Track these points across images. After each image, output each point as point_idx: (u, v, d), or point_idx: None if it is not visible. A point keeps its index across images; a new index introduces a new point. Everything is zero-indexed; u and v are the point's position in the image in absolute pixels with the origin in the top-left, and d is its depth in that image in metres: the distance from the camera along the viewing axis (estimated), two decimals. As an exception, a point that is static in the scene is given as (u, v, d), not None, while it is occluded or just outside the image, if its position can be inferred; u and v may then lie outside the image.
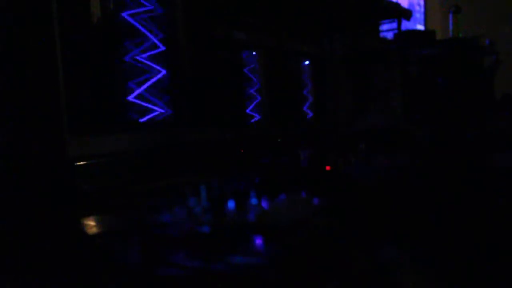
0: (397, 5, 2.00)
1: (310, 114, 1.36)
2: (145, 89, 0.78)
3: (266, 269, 0.33)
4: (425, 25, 3.33)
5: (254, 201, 0.54)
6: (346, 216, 0.49)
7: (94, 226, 0.53)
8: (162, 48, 0.81)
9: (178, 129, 0.85)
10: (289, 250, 0.33)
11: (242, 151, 0.89)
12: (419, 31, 2.72)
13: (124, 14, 0.74)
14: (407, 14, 2.01)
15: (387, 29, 2.12)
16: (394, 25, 2.08)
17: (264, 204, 0.53)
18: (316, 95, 1.38)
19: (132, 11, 0.76)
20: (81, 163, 0.65)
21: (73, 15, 0.66)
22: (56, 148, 0.63)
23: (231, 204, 0.50)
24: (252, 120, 1.10)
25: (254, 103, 1.11)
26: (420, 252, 0.43)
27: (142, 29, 0.78)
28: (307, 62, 1.34)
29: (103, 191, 0.65)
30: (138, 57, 0.77)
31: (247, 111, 1.09)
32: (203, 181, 0.46)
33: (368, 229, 0.47)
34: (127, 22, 0.75)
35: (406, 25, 2.35)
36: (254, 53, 1.11)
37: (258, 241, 0.39)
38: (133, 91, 0.76)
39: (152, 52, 0.79)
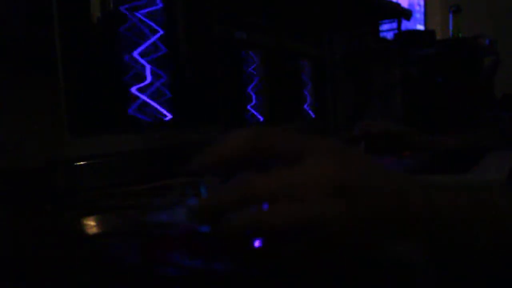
0: (397, 5, 2.00)
1: (310, 114, 1.36)
2: (146, 90, 0.78)
3: (266, 269, 0.33)
4: (425, 25, 3.32)
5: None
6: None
7: (94, 226, 0.53)
8: (163, 48, 0.81)
9: (179, 130, 0.84)
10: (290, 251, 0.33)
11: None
12: (419, 31, 2.72)
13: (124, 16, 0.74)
14: (407, 14, 2.01)
15: (387, 29, 2.12)
16: (394, 25, 2.08)
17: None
18: (316, 95, 1.38)
19: (132, 7, 0.76)
20: (81, 163, 0.65)
21: (74, 14, 0.66)
22: (56, 148, 0.63)
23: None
24: (252, 121, 1.10)
25: (254, 103, 1.11)
26: None
27: (143, 28, 0.78)
28: (307, 62, 1.34)
29: (103, 191, 0.65)
30: (139, 57, 0.77)
31: (247, 111, 1.09)
32: (203, 181, 0.46)
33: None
34: (127, 22, 0.75)
35: (406, 25, 2.35)
36: (254, 53, 1.11)
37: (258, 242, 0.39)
38: (133, 91, 0.76)
39: (154, 51, 0.79)
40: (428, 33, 2.14)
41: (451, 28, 2.26)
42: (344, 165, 0.32)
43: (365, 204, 0.31)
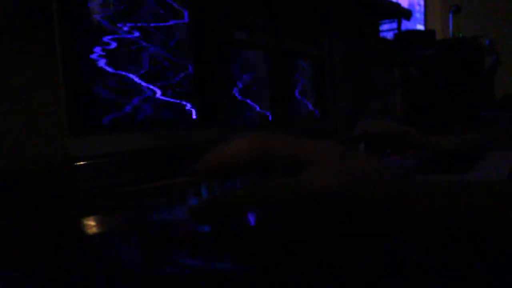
0: (397, 5, 2.00)
1: (310, 114, 1.36)
2: (146, 89, 0.78)
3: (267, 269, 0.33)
4: (425, 25, 3.32)
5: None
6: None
7: (94, 226, 0.53)
8: (163, 48, 0.81)
9: (179, 130, 0.84)
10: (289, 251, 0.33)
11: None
12: (419, 31, 2.72)
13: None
14: (407, 14, 2.01)
15: (387, 29, 2.12)
16: (394, 25, 2.08)
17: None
18: (316, 95, 1.38)
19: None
20: (81, 163, 0.65)
21: (73, 12, 0.66)
22: (56, 148, 0.63)
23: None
24: (252, 121, 1.10)
25: (254, 103, 1.11)
26: None
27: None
28: (307, 62, 1.34)
29: (103, 191, 0.65)
30: (138, 57, 0.77)
31: (247, 112, 1.09)
32: (203, 180, 0.46)
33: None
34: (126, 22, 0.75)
35: (406, 25, 2.35)
36: (254, 53, 1.11)
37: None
38: (134, 91, 0.76)
39: (155, 50, 0.80)
40: (428, 33, 2.14)
41: (451, 28, 2.26)
42: (344, 173, 0.32)
43: (363, 213, 0.32)
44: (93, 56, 0.69)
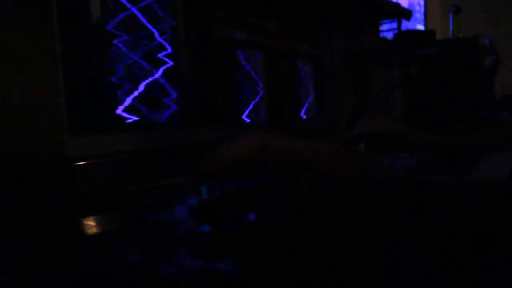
0: (397, 5, 2.00)
1: (310, 115, 1.36)
2: (147, 89, 0.78)
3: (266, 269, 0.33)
4: (425, 25, 3.32)
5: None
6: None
7: (94, 226, 0.53)
8: (164, 48, 0.81)
9: (179, 130, 0.84)
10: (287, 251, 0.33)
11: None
12: (419, 31, 2.72)
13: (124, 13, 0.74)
14: (407, 14, 2.01)
15: (387, 29, 2.12)
16: (394, 25, 2.08)
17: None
18: (316, 95, 1.38)
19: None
20: (81, 163, 0.65)
21: (73, 14, 0.66)
22: (56, 148, 0.63)
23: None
24: (250, 121, 1.10)
25: (253, 103, 1.11)
26: None
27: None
28: (307, 62, 1.34)
29: (103, 191, 0.65)
30: (138, 57, 0.77)
31: (245, 112, 1.09)
32: (203, 181, 0.46)
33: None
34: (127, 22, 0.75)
35: (406, 25, 2.35)
36: (253, 53, 1.11)
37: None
38: (133, 91, 0.76)
39: (155, 50, 0.79)
40: (428, 33, 2.14)
41: (451, 28, 2.26)
42: (343, 174, 0.33)
43: (363, 213, 0.32)
44: (94, 55, 0.69)
